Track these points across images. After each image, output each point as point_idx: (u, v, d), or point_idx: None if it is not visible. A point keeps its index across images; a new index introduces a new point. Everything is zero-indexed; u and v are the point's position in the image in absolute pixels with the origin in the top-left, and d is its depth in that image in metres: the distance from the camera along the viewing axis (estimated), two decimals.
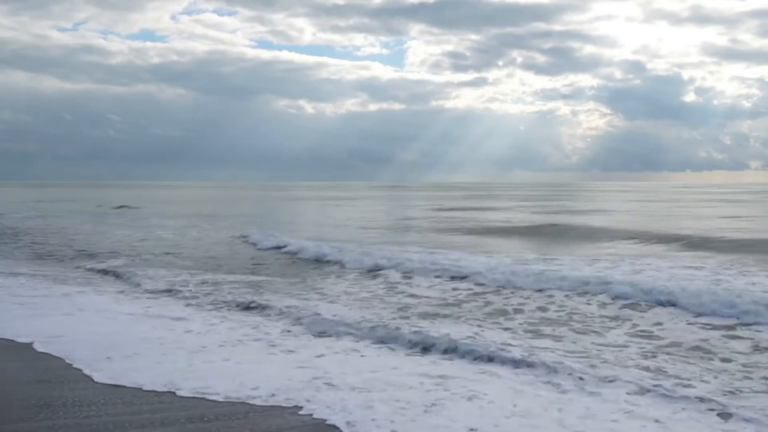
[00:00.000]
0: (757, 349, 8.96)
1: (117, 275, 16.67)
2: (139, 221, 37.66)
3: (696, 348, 9.03)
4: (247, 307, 12.07)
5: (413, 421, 6.02)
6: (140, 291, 14.16)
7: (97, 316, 11.06)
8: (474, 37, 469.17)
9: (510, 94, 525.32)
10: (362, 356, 8.55)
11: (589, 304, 12.06)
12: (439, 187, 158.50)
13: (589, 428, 5.96)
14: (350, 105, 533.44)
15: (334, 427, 5.93)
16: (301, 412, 6.29)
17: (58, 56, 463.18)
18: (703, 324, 10.36)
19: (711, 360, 8.44)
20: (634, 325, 10.47)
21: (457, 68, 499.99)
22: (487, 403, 6.61)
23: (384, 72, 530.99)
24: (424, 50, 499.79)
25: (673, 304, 11.44)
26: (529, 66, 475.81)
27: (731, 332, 9.85)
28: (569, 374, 7.53)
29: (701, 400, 6.66)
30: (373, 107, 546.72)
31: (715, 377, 7.60)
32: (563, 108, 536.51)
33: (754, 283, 13.37)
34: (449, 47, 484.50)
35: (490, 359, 8.33)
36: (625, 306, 11.70)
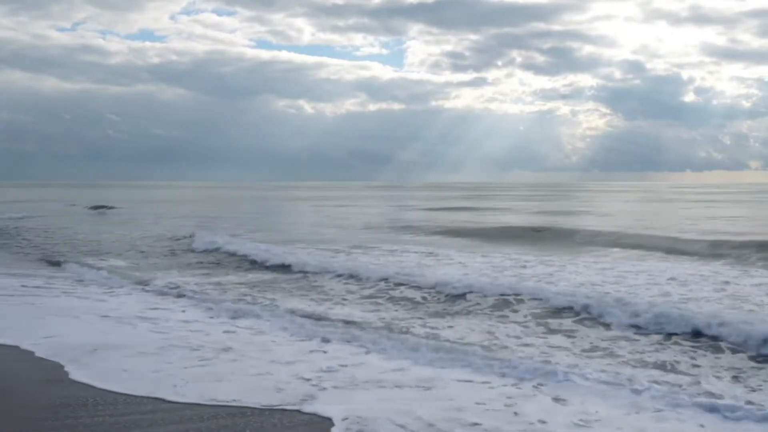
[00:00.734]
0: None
1: None
2: (102, 220, 37.76)
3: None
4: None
5: None
6: None
7: None
8: (473, 37, 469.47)
9: (509, 94, 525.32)
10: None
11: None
12: (437, 187, 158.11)
13: None
14: (350, 105, 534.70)
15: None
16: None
17: (57, 56, 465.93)
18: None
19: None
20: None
21: (457, 68, 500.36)
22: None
23: (383, 72, 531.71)
24: (423, 50, 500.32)
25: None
26: (529, 66, 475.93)
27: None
28: None
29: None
30: (372, 107, 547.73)
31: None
32: (563, 108, 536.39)
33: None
34: (448, 47, 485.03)
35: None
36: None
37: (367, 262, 17.41)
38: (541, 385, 7.25)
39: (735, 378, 7.76)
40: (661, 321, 10.00)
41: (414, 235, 28.22)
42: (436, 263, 17.55)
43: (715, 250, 20.05)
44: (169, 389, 6.93)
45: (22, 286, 14.18)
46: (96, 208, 53.19)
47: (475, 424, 6.02)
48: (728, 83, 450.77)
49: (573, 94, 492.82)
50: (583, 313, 10.89)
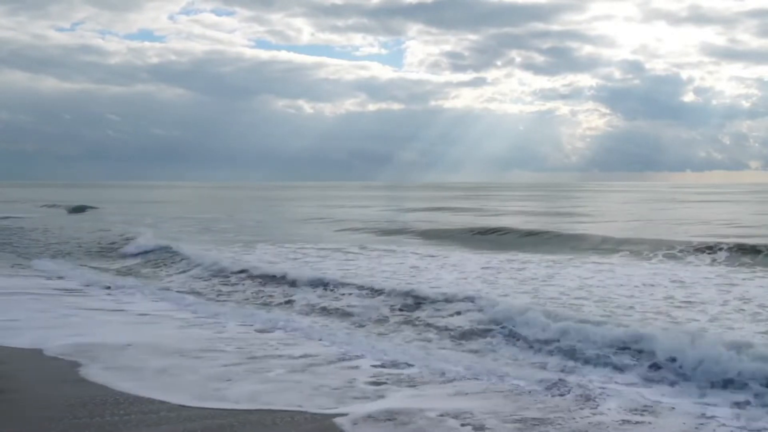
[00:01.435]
0: None
1: None
2: (69, 221, 38.60)
3: None
4: None
5: None
6: None
7: None
8: (472, 37, 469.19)
9: (509, 94, 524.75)
10: None
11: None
12: (434, 188, 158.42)
13: None
14: (349, 105, 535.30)
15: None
16: None
17: (56, 56, 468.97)
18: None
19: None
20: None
21: (456, 68, 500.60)
22: None
23: (383, 72, 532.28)
24: (422, 50, 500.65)
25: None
26: (528, 66, 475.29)
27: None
28: None
29: None
30: (372, 107, 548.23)
31: None
32: (562, 108, 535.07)
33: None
34: (447, 47, 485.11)
35: None
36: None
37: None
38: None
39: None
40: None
41: (368, 234, 29.21)
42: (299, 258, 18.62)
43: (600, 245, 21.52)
44: None
45: None
46: (76, 209, 54.06)
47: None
48: (728, 83, 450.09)
49: (572, 94, 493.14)
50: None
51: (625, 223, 33.18)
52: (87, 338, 9.71)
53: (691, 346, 8.16)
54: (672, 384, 7.72)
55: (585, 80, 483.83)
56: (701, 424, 6.47)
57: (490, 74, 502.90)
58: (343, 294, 13.50)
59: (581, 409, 6.86)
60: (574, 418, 6.58)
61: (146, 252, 21.89)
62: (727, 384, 7.50)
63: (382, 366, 8.46)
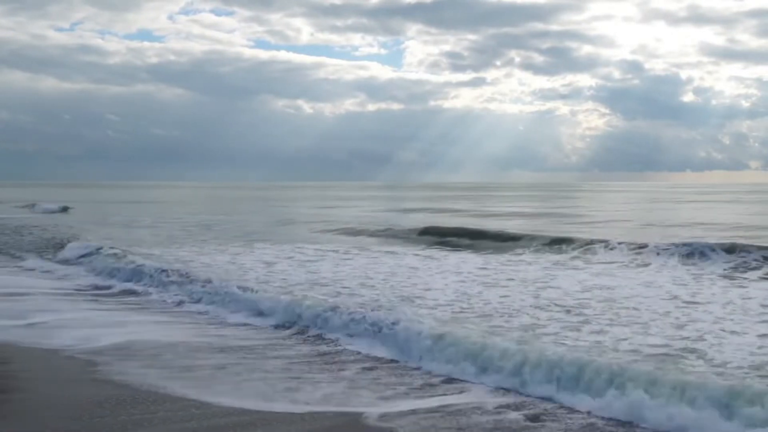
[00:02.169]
0: None
1: None
2: (32, 221, 38.65)
3: None
4: None
5: None
6: None
7: None
8: (471, 37, 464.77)
9: (508, 94, 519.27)
10: None
11: None
12: (432, 188, 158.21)
13: None
14: (349, 105, 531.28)
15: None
16: None
17: (56, 56, 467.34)
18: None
19: None
20: None
21: (455, 68, 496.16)
22: None
23: (382, 72, 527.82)
24: (421, 50, 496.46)
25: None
26: (527, 66, 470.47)
27: None
28: None
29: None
30: (371, 107, 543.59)
31: None
32: (562, 108, 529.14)
33: None
34: (447, 47, 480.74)
35: None
36: None
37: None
38: None
39: None
40: None
41: (333, 234, 29.68)
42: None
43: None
44: None
45: None
46: (52, 211, 54.09)
47: None
48: (727, 83, 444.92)
49: (572, 94, 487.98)
50: None
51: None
52: None
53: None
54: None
55: (584, 80, 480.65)
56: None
57: (490, 74, 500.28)
58: None
59: None
60: None
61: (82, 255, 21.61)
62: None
63: None
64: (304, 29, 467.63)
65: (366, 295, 13.50)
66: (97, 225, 35.84)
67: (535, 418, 7.17)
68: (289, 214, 45.85)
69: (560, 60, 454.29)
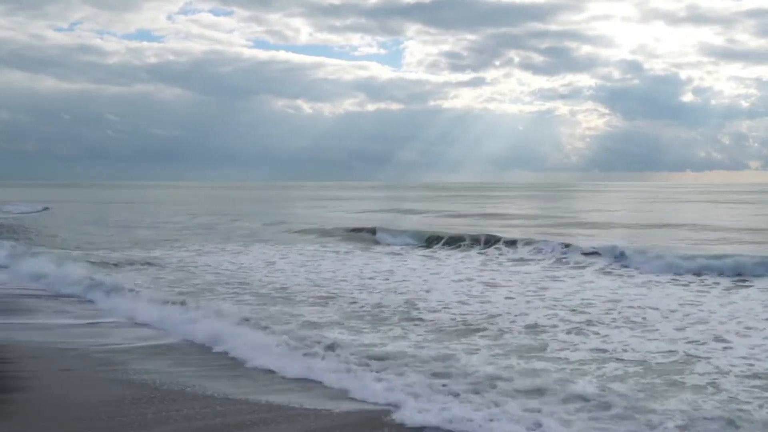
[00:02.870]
0: None
1: None
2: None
3: None
4: None
5: None
6: None
7: None
8: (471, 37, 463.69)
9: (508, 94, 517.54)
10: None
11: None
12: (429, 188, 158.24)
13: None
14: (348, 105, 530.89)
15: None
16: None
17: (55, 56, 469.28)
18: None
19: None
20: None
21: (455, 68, 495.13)
22: None
23: (382, 72, 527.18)
24: (421, 50, 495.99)
25: None
26: (527, 66, 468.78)
27: None
28: None
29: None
30: (371, 107, 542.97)
31: None
32: (562, 108, 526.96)
33: None
34: (446, 47, 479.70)
35: None
36: None
37: None
38: None
39: None
40: None
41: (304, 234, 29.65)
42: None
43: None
44: None
45: None
46: (35, 211, 54.48)
47: None
48: (727, 83, 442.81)
49: (571, 94, 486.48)
50: None
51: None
52: None
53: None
54: None
55: (584, 80, 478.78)
56: None
57: (489, 74, 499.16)
58: None
59: None
60: None
61: None
62: None
63: None
64: (303, 29, 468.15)
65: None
66: (62, 227, 36.10)
67: None
68: (281, 215, 46.23)
69: (559, 60, 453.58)
